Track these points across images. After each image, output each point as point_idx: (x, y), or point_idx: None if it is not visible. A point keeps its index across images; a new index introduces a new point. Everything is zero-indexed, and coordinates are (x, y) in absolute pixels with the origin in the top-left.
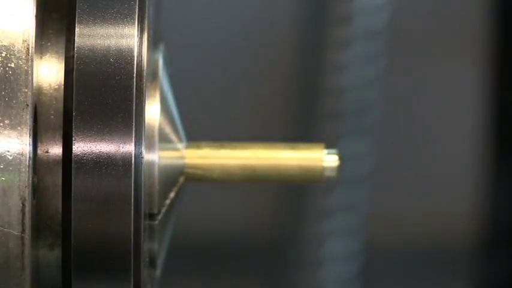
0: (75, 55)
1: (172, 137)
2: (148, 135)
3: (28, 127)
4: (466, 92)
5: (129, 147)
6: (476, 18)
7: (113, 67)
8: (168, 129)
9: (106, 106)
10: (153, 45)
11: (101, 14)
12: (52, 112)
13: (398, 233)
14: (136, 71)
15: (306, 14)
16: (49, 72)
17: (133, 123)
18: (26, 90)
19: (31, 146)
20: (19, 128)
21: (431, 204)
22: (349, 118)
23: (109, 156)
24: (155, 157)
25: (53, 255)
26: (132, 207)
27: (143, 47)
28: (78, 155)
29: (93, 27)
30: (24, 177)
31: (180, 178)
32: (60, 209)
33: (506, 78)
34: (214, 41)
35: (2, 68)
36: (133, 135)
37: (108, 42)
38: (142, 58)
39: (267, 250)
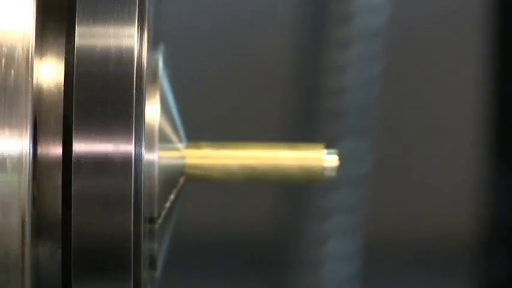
0: (75, 55)
1: (172, 137)
2: (148, 135)
3: (28, 128)
4: (466, 91)
5: (129, 147)
6: (476, 18)
7: (113, 67)
8: (168, 129)
9: (106, 106)
10: (153, 45)
11: (101, 14)
12: (52, 113)
13: (398, 233)
14: (137, 71)
15: (306, 14)
16: (49, 72)
17: (133, 124)
18: (26, 91)
19: (31, 147)
20: (19, 129)
21: (431, 204)
22: (349, 118)
23: (109, 156)
24: (155, 157)
25: (53, 255)
26: (132, 208)
27: (143, 47)
28: (78, 155)
29: (93, 28)
30: (24, 178)
31: (180, 178)
32: (60, 209)
33: (506, 78)
34: (215, 41)
35: (1, 69)
36: (133, 136)
37: (108, 42)
38: (142, 58)
39: (267, 250)
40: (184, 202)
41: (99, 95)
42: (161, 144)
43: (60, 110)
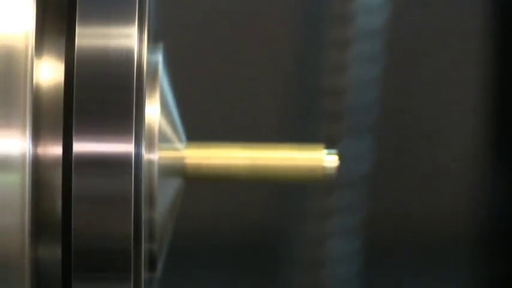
0: (75, 55)
1: (172, 137)
2: (148, 135)
3: (28, 127)
4: (465, 91)
5: (129, 147)
6: (476, 17)
7: (113, 67)
8: (168, 129)
9: (106, 106)
10: (153, 45)
11: (101, 14)
12: (52, 112)
13: (398, 232)
14: (137, 71)
15: (305, 13)
16: (49, 72)
17: (133, 123)
18: (26, 90)
19: (31, 146)
20: (19, 128)
21: (431, 204)
22: (349, 118)
23: (109, 156)
24: (155, 157)
25: (53, 255)
26: (132, 207)
27: (143, 47)
28: (78, 155)
29: (93, 27)
30: (24, 177)
31: (179, 178)
32: (60, 209)
33: (506, 79)
34: (214, 41)
35: (2, 68)
36: (133, 135)
37: (108, 42)
38: (143, 58)
39: (266, 250)
40: (183, 202)
41: (99, 95)
42: (161, 144)
43: (60, 110)
